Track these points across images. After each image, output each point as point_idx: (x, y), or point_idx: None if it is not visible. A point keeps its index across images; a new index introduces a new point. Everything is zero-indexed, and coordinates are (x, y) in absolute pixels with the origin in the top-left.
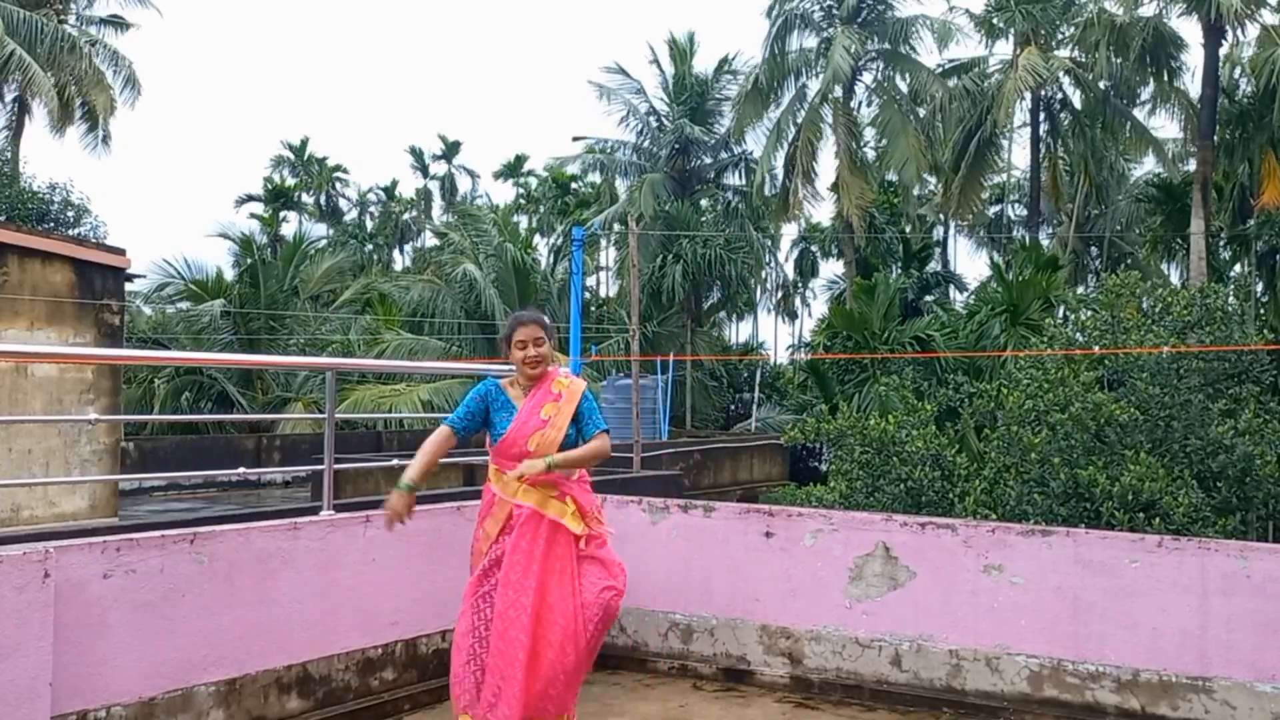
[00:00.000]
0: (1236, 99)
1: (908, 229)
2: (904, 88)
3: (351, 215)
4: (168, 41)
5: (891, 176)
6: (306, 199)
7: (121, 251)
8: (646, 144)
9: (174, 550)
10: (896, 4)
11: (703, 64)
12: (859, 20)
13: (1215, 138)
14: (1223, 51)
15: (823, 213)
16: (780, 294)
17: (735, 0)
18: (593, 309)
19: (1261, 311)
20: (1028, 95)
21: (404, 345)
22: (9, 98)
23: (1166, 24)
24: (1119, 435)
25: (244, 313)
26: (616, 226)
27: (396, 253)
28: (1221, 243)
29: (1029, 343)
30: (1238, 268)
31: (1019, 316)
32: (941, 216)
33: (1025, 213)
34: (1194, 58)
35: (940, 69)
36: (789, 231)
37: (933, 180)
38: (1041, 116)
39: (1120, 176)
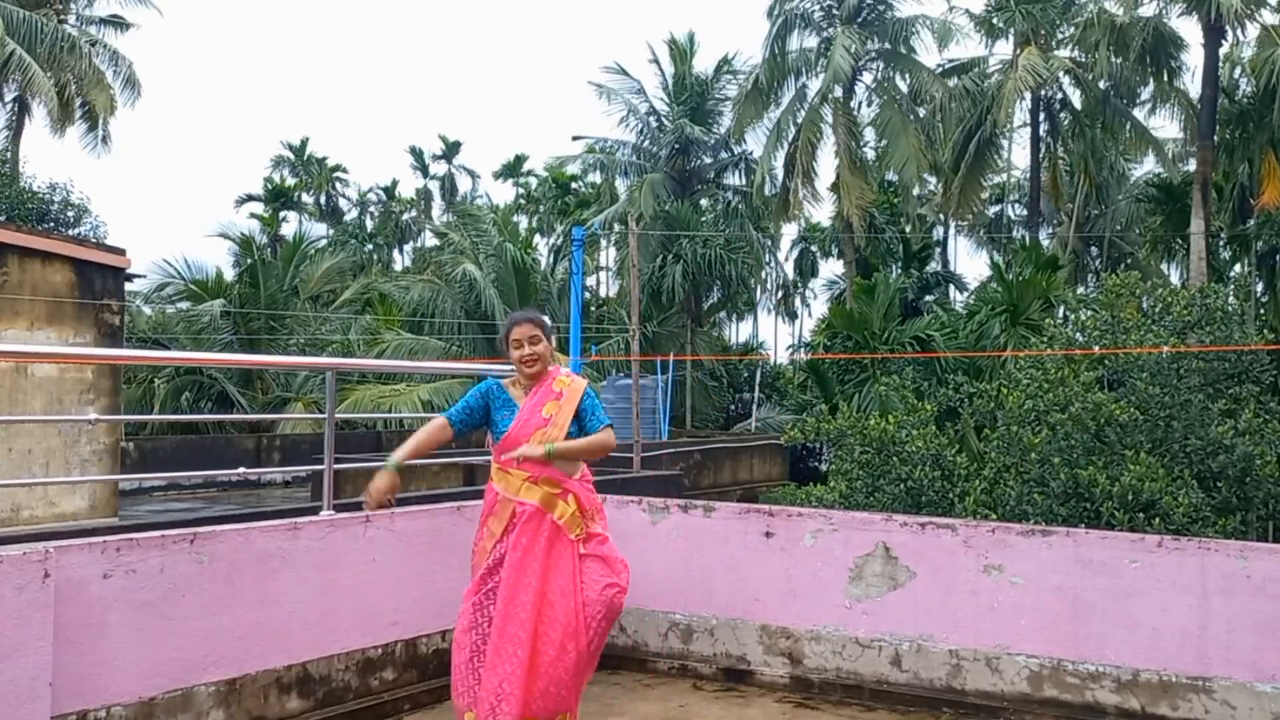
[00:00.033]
0: (1236, 99)
1: (908, 229)
2: (904, 88)
3: (351, 215)
4: (168, 41)
5: (891, 176)
6: (306, 199)
7: (121, 251)
8: (646, 144)
9: (174, 550)
10: (897, 4)
11: (703, 64)
12: (859, 20)
13: (1215, 138)
14: (1223, 51)
15: (822, 213)
16: (780, 294)
17: (735, 0)
18: (593, 309)
19: (1261, 311)
20: (1028, 95)
21: (404, 345)
22: (9, 98)
23: (1166, 24)
24: (1119, 435)
25: (244, 313)
26: (616, 226)
27: (396, 253)
28: (1221, 243)
29: (1029, 343)
30: (1238, 268)
31: (1019, 316)
32: (941, 216)
33: (1025, 213)
34: (1194, 58)
35: (940, 69)
36: (789, 231)
37: (933, 180)
38: (1041, 116)
39: (1120, 176)
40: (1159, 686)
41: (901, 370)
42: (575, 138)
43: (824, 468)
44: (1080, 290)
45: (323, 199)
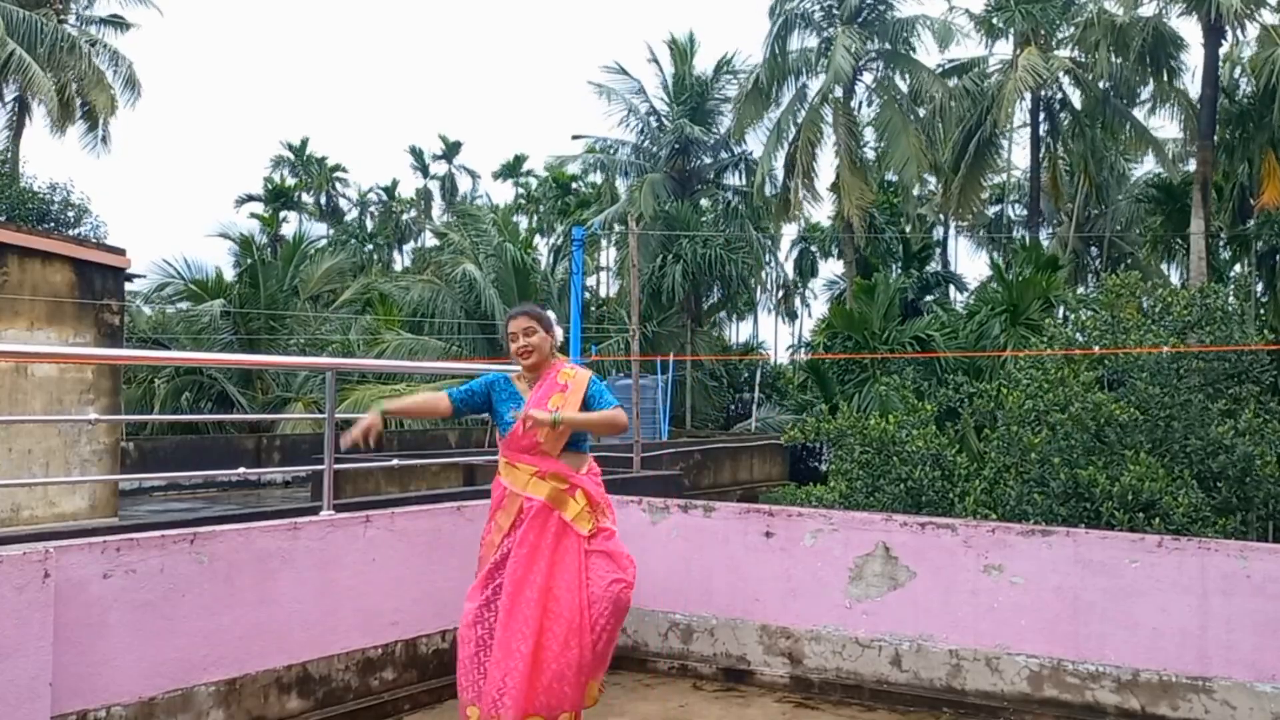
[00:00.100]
0: (1236, 99)
1: (908, 229)
2: (904, 88)
3: (352, 215)
4: (168, 41)
5: (891, 176)
6: (306, 199)
7: (121, 251)
8: (646, 144)
9: (174, 550)
10: (897, 4)
11: (703, 64)
12: (860, 20)
13: (1215, 138)
14: (1223, 51)
15: (822, 213)
16: (780, 294)
17: (735, 0)
18: (593, 309)
19: (1261, 311)
20: (1028, 95)
21: (404, 345)
22: (9, 98)
23: (1166, 24)
24: (1119, 435)
25: (244, 313)
26: (616, 226)
27: (396, 253)
28: (1221, 243)
29: (1029, 343)
30: (1238, 268)
31: (1019, 316)
32: (941, 216)
33: (1025, 213)
34: (1194, 58)
35: (940, 69)
36: (789, 231)
37: (933, 180)
38: (1041, 116)
39: (1120, 176)
40: (1159, 686)
41: (901, 370)
42: (575, 137)
43: (824, 468)
44: (1080, 290)
45: (323, 199)
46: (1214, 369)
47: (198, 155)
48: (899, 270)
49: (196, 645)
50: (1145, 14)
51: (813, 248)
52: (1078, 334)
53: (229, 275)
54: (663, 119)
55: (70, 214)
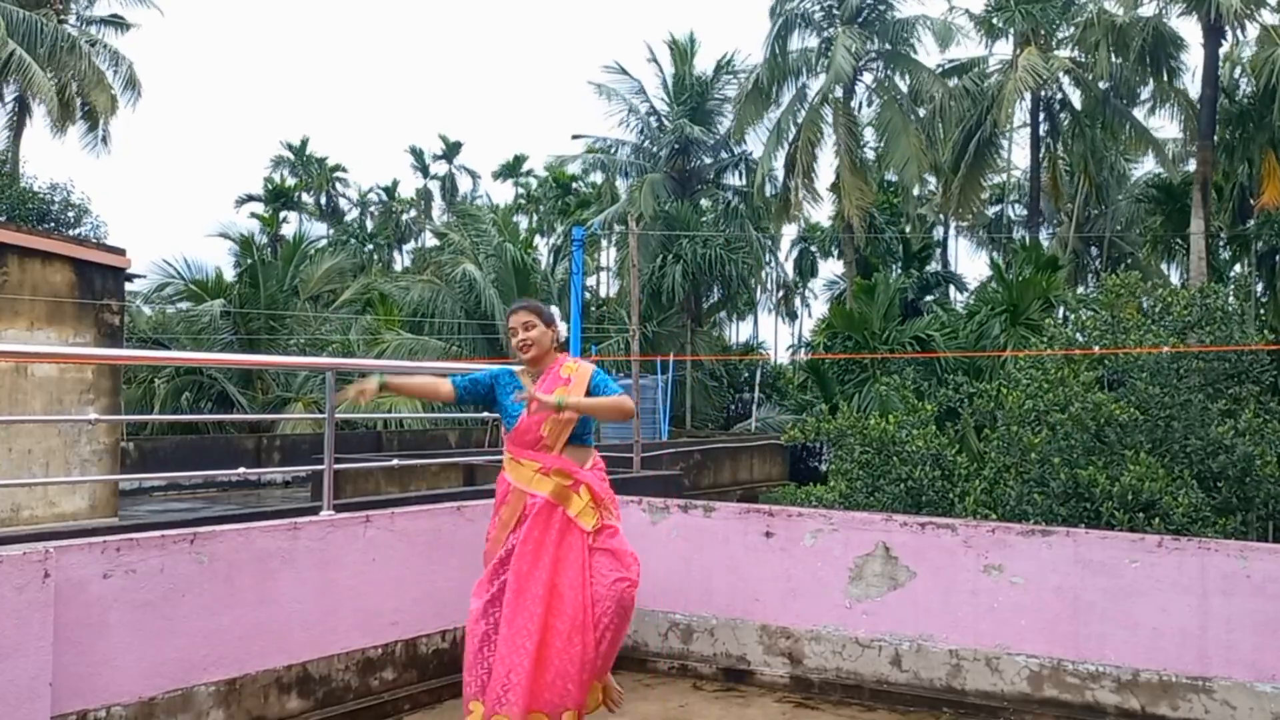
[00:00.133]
0: (1236, 99)
1: (908, 229)
2: (904, 88)
3: (352, 215)
4: (168, 41)
5: (891, 176)
6: (306, 199)
7: (121, 251)
8: (646, 144)
9: (174, 550)
10: (897, 4)
11: (703, 64)
12: (860, 20)
13: (1215, 138)
14: (1223, 51)
15: (822, 213)
16: (780, 294)
17: (735, 0)
18: (593, 309)
19: (1261, 311)
20: (1027, 95)
21: (404, 345)
22: (9, 98)
23: (1166, 24)
24: (1119, 435)
25: (244, 313)
26: (616, 226)
27: (396, 253)
28: (1221, 243)
29: (1029, 343)
30: (1238, 268)
31: (1019, 316)
32: (941, 216)
33: (1025, 213)
34: (1194, 58)
35: (940, 69)
36: (789, 232)
37: (933, 180)
38: (1041, 117)
39: (1120, 176)
40: (1159, 686)
41: (901, 370)
42: (575, 137)
43: (824, 468)
44: (1080, 290)
45: (323, 199)
46: (1214, 369)
47: (198, 155)
48: (899, 270)
49: (196, 645)
50: (1145, 14)
51: (813, 248)
52: (1078, 334)
53: (229, 275)
54: (663, 119)
55: (70, 214)
